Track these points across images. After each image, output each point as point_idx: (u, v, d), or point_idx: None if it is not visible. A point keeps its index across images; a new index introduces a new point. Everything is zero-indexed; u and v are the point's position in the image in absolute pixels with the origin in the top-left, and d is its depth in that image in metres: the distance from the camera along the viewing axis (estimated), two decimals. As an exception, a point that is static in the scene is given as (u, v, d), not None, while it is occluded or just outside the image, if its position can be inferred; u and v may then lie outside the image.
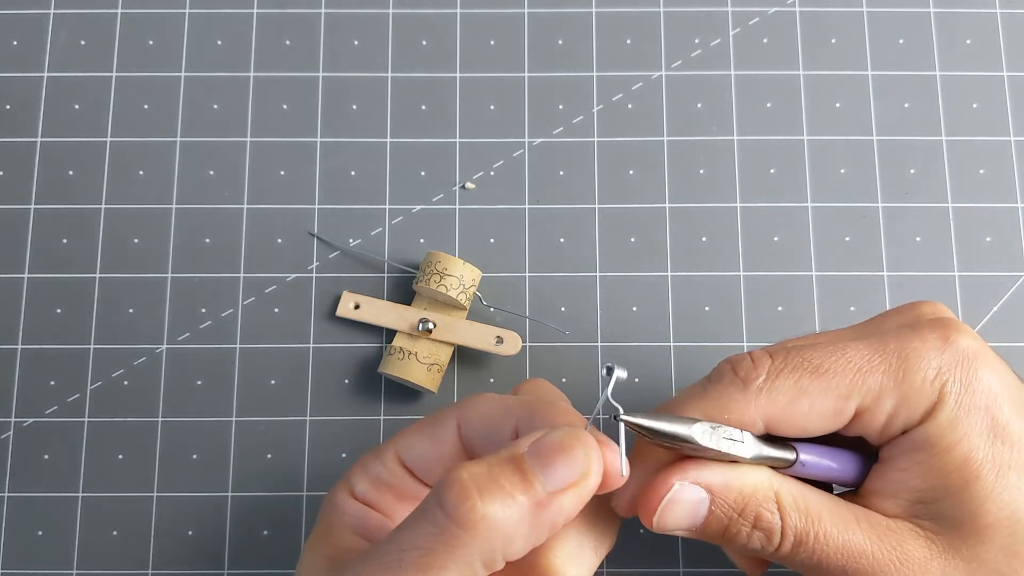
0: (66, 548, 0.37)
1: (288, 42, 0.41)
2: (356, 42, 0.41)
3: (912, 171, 0.40)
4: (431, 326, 0.37)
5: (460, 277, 0.36)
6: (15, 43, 0.41)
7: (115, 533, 0.37)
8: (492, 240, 0.39)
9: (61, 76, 0.41)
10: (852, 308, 0.39)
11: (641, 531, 0.37)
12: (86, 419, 0.38)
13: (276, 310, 0.39)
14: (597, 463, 0.24)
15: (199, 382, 0.38)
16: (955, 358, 0.26)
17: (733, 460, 0.27)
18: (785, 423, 0.27)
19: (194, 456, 0.37)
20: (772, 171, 0.40)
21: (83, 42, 0.41)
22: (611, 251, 0.39)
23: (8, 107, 0.41)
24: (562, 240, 0.39)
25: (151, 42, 0.41)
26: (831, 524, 0.26)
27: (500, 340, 0.37)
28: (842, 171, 0.40)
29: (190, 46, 0.41)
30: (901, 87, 0.41)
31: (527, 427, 0.27)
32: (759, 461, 0.27)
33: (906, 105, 0.41)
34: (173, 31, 0.41)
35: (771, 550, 0.27)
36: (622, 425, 0.25)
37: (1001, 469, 0.26)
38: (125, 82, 0.41)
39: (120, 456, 0.37)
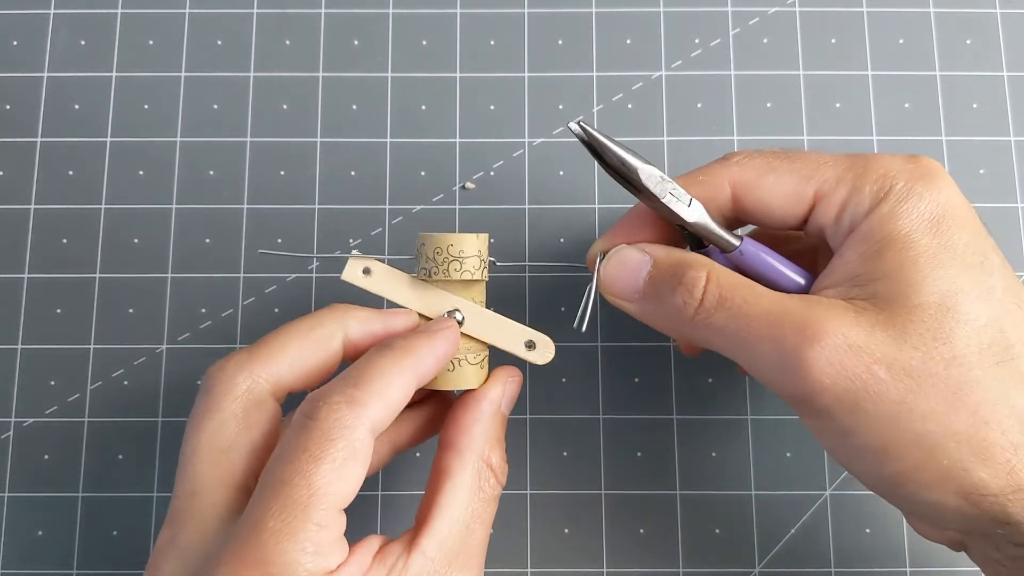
0: (66, 548, 0.37)
1: (288, 42, 0.41)
2: (356, 42, 0.41)
3: (912, 171, 0.40)
4: (460, 317, 0.32)
5: (479, 253, 0.32)
6: (15, 43, 0.41)
7: (115, 533, 0.37)
8: (492, 240, 0.39)
9: (61, 76, 0.41)
10: (852, 308, 0.39)
11: (641, 531, 0.37)
12: (86, 419, 0.38)
13: (276, 310, 0.39)
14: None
15: (199, 382, 0.38)
16: (912, 167, 0.28)
17: (680, 225, 0.29)
18: (750, 193, 0.29)
19: (194, 456, 0.37)
20: (772, 171, 0.40)
21: (83, 42, 0.41)
22: (611, 251, 0.39)
23: (8, 107, 0.41)
24: (562, 240, 0.39)
25: (151, 42, 0.41)
26: (760, 290, 0.27)
27: (532, 345, 0.32)
28: (842, 171, 0.40)
29: (190, 46, 0.41)
30: (901, 87, 0.41)
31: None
32: (702, 231, 0.29)
33: (906, 105, 0.41)
34: (173, 31, 0.41)
35: (693, 304, 0.28)
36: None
37: (939, 260, 0.26)
38: (125, 82, 0.41)
39: (120, 456, 0.37)
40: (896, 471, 0.26)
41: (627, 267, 0.30)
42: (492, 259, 0.33)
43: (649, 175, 0.28)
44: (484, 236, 0.32)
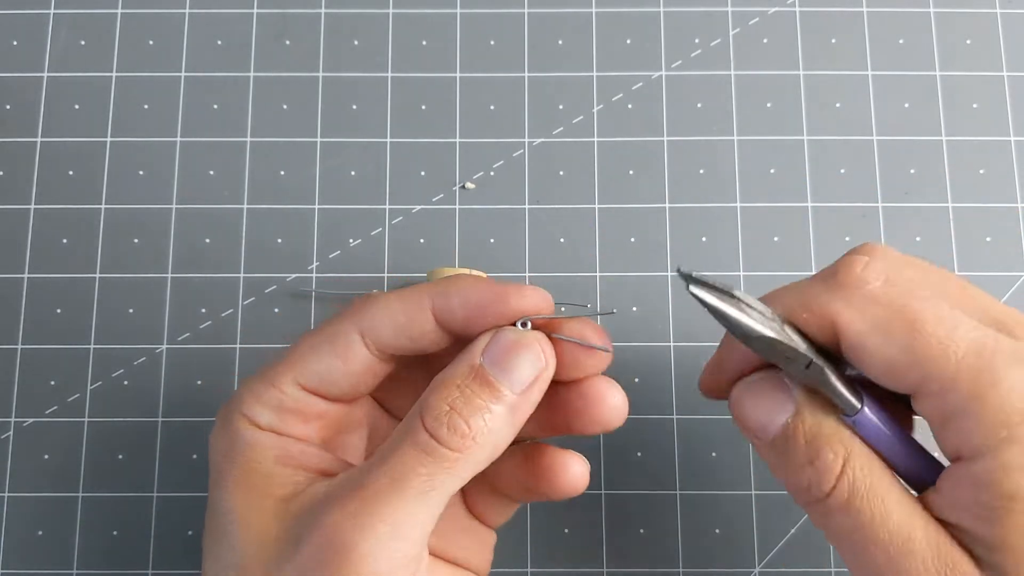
0: (66, 548, 0.37)
1: (288, 42, 0.41)
2: (356, 42, 0.41)
3: (912, 171, 0.40)
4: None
5: None
6: (15, 43, 0.41)
7: (115, 533, 0.37)
8: (492, 240, 0.39)
9: (61, 76, 0.41)
10: (852, 308, 0.38)
11: (641, 531, 0.37)
12: (86, 419, 0.38)
13: (276, 310, 0.39)
14: (550, 353, 0.26)
15: (199, 382, 0.38)
16: None
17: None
18: (851, 350, 0.25)
19: (194, 456, 0.37)
20: (772, 171, 0.40)
21: (83, 42, 0.41)
22: (611, 251, 0.39)
23: (8, 107, 0.41)
24: (562, 240, 0.39)
25: (151, 42, 0.41)
26: (896, 505, 0.24)
27: None
28: (842, 171, 0.40)
29: (190, 46, 0.41)
30: (901, 87, 0.41)
31: (446, 307, 0.27)
32: (819, 383, 0.25)
33: (906, 105, 0.41)
34: (173, 31, 0.41)
35: (818, 494, 0.25)
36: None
37: None
38: (125, 82, 0.41)
39: (120, 456, 0.37)
40: None
41: (764, 403, 0.26)
42: None
43: (759, 337, 0.24)
44: (479, 273, 0.37)
